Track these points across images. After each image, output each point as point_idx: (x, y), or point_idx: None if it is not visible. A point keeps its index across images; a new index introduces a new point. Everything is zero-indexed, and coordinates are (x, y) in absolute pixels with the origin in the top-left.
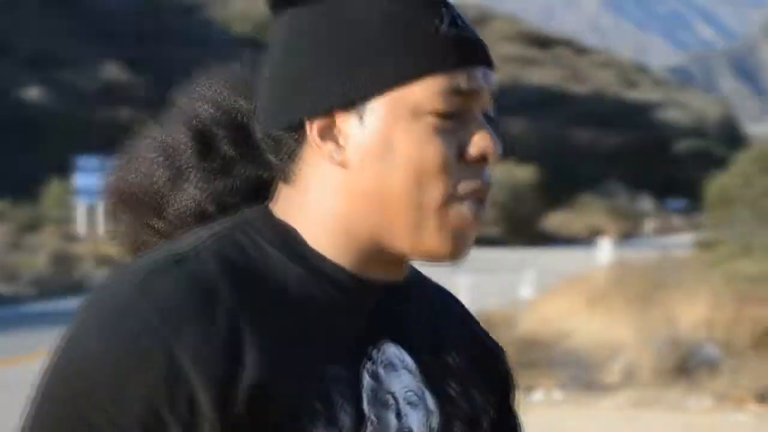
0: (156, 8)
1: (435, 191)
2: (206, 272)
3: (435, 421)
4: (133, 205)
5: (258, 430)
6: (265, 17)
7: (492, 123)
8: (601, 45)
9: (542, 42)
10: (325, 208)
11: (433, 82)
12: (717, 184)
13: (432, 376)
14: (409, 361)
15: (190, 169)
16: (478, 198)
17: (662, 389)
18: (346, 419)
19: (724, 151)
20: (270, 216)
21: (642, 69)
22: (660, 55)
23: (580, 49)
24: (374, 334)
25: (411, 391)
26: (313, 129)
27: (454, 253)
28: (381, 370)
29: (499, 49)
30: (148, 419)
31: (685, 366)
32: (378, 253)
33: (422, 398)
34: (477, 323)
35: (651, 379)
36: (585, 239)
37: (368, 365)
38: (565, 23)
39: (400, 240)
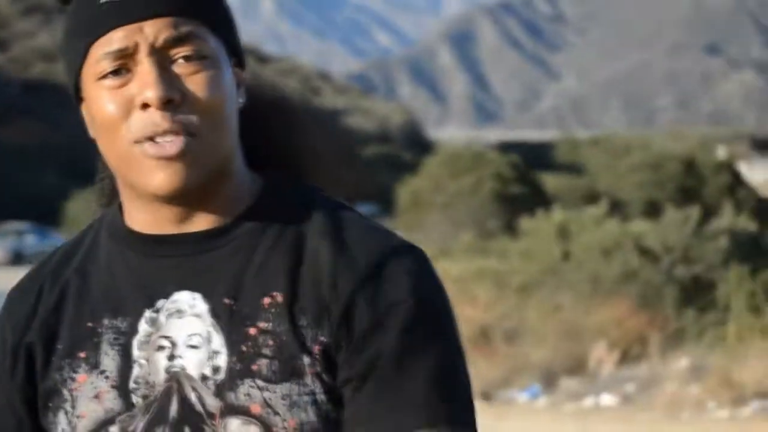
0: None
1: (118, 141)
2: (41, 267)
3: (222, 360)
4: None
5: (37, 382)
6: None
7: (193, 61)
8: (281, 53)
9: None
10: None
11: (93, 51)
12: (408, 189)
13: (228, 319)
14: (200, 306)
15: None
16: (162, 134)
17: None
18: (110, 363)
19: (409, 156)
20: (118, 205)
21: (324, 76)
22: (340, 62)
23: (261, 57)
24: (169, 285)
25: (196, 334)
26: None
27: (158, 185)
28: (162, 318)
29: None
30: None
31: None
32: (156, 208)
33: (207, 340)
34: (354, 270)
35: None
36: None
37: (147, 314)
38: (243, 31)
39: (136, 187)
